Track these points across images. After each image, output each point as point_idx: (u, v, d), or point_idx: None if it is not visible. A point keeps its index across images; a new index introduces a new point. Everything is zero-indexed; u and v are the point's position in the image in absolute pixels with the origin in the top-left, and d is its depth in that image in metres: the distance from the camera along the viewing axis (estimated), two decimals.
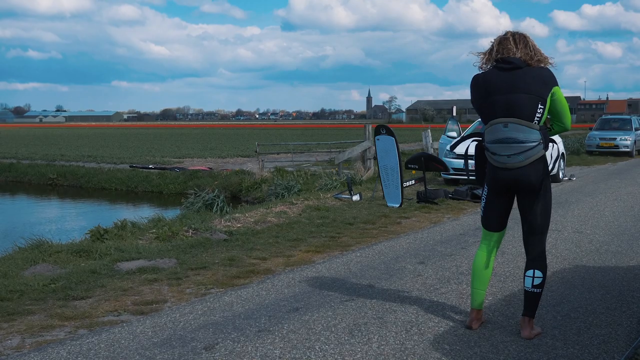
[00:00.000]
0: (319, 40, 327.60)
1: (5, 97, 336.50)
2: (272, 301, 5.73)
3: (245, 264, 7.29)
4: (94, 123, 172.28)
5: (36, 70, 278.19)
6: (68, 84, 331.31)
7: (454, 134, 17.27)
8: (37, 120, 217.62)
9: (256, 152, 24.37)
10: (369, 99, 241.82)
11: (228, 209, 14.30)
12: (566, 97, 4.68)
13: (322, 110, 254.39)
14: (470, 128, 16.84)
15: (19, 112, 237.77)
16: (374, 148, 13.36)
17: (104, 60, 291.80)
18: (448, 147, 15.66)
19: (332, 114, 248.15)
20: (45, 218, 21.30)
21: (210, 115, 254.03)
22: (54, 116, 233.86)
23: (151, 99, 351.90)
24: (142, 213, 16.01)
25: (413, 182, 12.59)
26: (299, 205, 12.16)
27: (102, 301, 5.81)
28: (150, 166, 29.11)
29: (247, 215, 10.91)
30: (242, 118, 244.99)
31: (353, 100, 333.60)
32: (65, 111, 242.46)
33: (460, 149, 14.25)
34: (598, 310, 5.44)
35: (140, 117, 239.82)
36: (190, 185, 22.18)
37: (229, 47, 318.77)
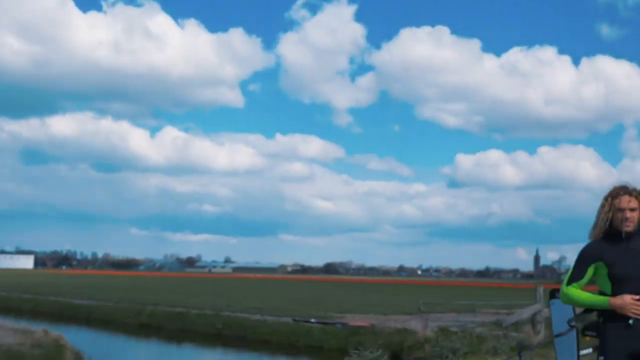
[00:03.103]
0: (485, 197, 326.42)
1: (179, 247, 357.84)
2: None
3: None
4: (259, 275, 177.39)
5: (209, 222, 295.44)
6: (237, 236, 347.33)
7: None
8: (207, 270, 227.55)
9: (420, 310, 23.98)
10: (536, 258, 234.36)
11: None
12: None
13: (487, 269, 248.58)
14: None
15: (190, 262, 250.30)
16: (546, 311, 12.74)
17: (272, 214, 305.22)
18: None
19: (497, 272, 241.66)
20: None
21: (372, 270, 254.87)
22: (222, 267, 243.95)
23: (315, 252, 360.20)
24: None
25: (591, 350, 11.77)
26: None
27: None
28: (312, 320, 29.27)
29: None
30: (404, 274, 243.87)
31: (519, 259, 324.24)
32: (233, 262, 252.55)
33: None
34: None
35: (303, 269, 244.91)
36: (352, 342, 21.94)
37: (394, 204, 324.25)
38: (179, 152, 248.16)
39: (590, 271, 4.46)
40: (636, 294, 4.27)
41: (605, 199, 4.46)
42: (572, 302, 4.52)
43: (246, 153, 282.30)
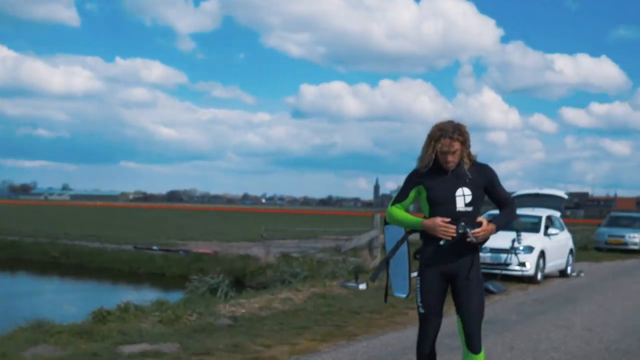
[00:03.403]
0: (328, 128, 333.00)
1: (12, 174, 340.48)
2: None
3: (250, 350, 7.16)
4: (99, 202, 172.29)
5: (44, 148, 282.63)
6: (75, 162, 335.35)
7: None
8: (42, 197, 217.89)
9: (262, 236, 24.33)
10: (376, 188, 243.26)
11: (233, 294, 14.16)
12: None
13: (330, 197, 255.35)
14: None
15: (24, 189, 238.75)
16: (382, 237, 13.29)
17: (113, 140, 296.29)
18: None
19: (339, 201, 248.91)
20: (45, 297, 21.13)
21: (217, 198, 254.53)
22: (60, 194, 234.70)
23: (158, 180, 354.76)
24: (145, 295, 15.87)
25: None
26: (304, 292, 12.04)
27: None
28: (154, 247, 29.01)
29: (251, 300, 10.80)
30: (248, 202, 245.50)
31: (360, 188, 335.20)
32: (71, 190, 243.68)
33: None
34: None
35: (146, 197, 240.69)
36: (194, 269, 21.88)
37: (238, 132, 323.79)
38: (8, 73, 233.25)
39: (412, 194, 4.65)
40: (448, 217, 4.48)
41: (429, 139, 4.54)
42: (394, 220, 4.70)
43: (83, 76, 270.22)
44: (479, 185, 4.56)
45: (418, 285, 4.66)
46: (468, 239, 4.43)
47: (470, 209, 4.51)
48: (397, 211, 4.69)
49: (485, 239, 4.56)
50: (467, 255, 4.56)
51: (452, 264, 4.56)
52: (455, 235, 4.45)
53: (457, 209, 4.49)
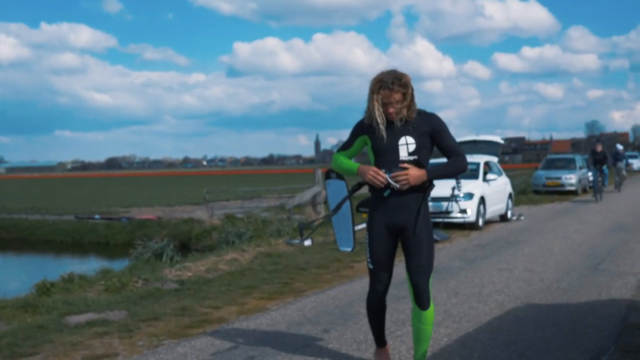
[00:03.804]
0: (265, 85, 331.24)
1: None
2: (226, 351, 5.62)
3: (198, 313, 7.16)
4: (36, 174, 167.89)
5: None
6: (8, 134, 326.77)
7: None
8: None
9: (205, 199, 24.20)
10: (317, 144, 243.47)
11: (178, 258, 14.12)
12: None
13: (271, 156, 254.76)
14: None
15: None
16: (325, 192, 13.35)
17: (46, 109, 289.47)
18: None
19: (281, 159, 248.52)
20: None
21: (157, 163, 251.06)
22: None
23: (95, 148, 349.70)
24: (89, 265, 15.68)
25: (364, 225, 12.56)
26: (250, 252, 12.06)
27: (50, 357, 5.62)
28: (96, 216, 28.61)
29: (198, 263, 10.78)
30: (189, 165, 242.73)
31: (301, 145, 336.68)
32: (6, 162, 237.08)
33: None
34: (552, 347, 5.48)
35: (84, 166, 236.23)
36: (138, 235, 21.72)
37: (174, 94, 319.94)
38: None
39: (357, 142, 4.64)
40: (388, 164, 4.43)
41: (370, 92, 4.47)
42: (336, 165, 4.74)
43: (8, 44, 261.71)
44: (424, 134, 4.47)
45: (367, 240, 4.65)
46: (391, 186, 4.42)
47: (414, 157, 4.45)
48: (339, 157, 4.73)
49: (423, 186, 4.48)
50: (413, 208, 4.49)
51: (397, 216, 4.51)
52: (383, 183, 4.42)
53: (401, 158, 4.44)
